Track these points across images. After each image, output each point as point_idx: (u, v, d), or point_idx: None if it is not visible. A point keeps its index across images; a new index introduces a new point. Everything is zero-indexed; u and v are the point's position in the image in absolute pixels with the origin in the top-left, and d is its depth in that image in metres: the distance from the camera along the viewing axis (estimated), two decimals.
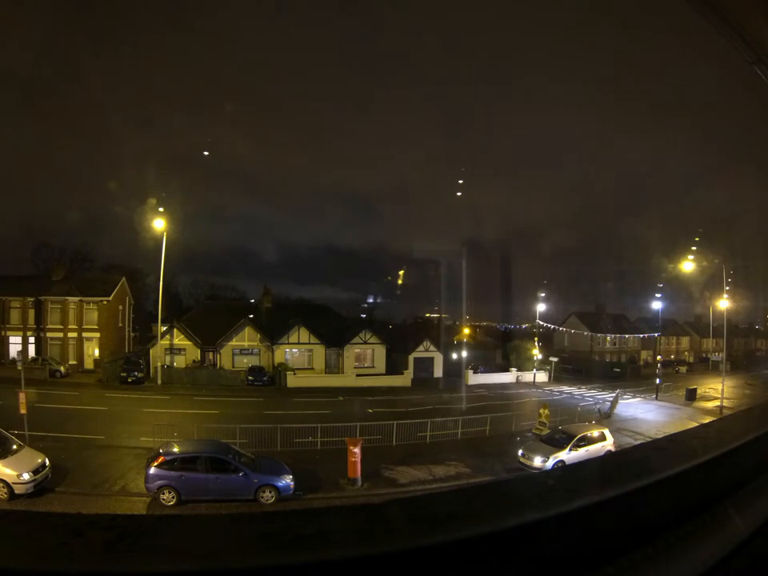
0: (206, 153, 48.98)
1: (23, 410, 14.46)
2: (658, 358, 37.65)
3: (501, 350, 46.51)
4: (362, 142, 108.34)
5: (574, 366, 42.52)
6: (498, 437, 18.76)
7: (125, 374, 28.15)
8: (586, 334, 48.77)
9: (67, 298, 32.49)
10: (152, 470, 11.57)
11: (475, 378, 36.17)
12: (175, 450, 12.30)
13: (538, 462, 14.74)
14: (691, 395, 29.18)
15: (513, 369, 39.43)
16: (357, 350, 35.26)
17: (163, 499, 11.44)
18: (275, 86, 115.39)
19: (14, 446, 12.36)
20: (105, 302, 33.56)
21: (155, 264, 31.36)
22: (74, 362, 32.37)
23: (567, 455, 14.80)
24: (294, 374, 31.82)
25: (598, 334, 49.58)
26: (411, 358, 36.29)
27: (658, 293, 40.05)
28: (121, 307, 36.50)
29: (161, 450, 12.27)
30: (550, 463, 14.52)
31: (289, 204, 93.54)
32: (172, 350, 32.08)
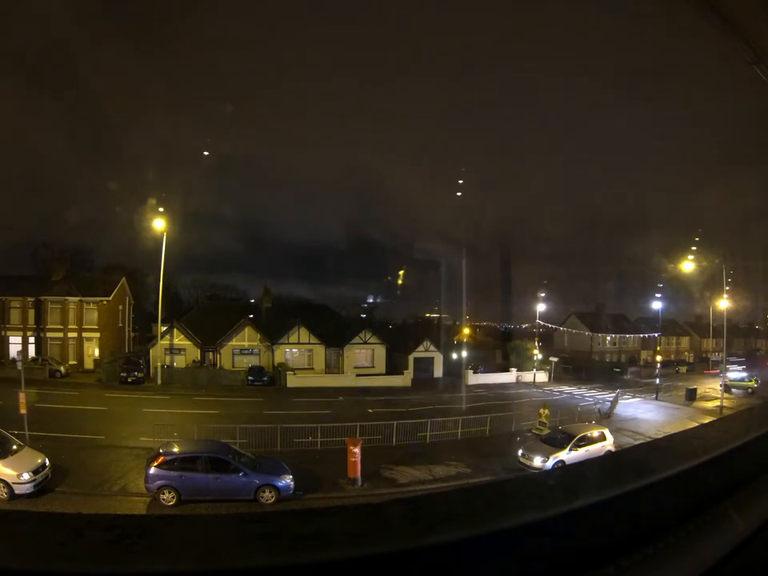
0: (206, 153, 48.78)
1: (23, 410, 14.45)
2: (658, 358, 37.55)
3: (501, 350, 46.48)
4: (362, 141, 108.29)
5: (574, 366, 42.51)
6: (498, 437, 18.76)
7: (125, 374, 28.17)
8: (586, 333, 48.77)
9: (67, 298, 32.47)
10: (152, 470, 11.57)
11: (475, 378, 36.15)
12: (175, 450, 12.29)
13: (537, 461, 14.74)
14: (691, 395, 29.19)
15: (513, 369, 39.38)
16: (357, 350, 35.28)
17: (163, 499, 11.44)
18: (277, 80, 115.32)
19: (14, 446, 12.34)
20: (105, 302, 33.56)
21: (155, 264, 31.42)
22: (74, 362, 32.36)
23: (567, 455, 14.80)
24: (294, 373, 31.82)
25: (598, 334, 49.58)
26: (411, 358, 36.28)
27: (657, 293, 40.01)
28: (121, 307, 36.52)
29: (161, 450, 12.26)
30: (549, 463, 14.51)
31: (289, 204, 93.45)
32: (172, 350, 32.09)
